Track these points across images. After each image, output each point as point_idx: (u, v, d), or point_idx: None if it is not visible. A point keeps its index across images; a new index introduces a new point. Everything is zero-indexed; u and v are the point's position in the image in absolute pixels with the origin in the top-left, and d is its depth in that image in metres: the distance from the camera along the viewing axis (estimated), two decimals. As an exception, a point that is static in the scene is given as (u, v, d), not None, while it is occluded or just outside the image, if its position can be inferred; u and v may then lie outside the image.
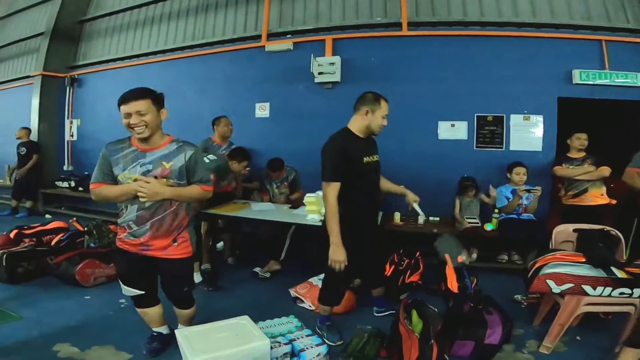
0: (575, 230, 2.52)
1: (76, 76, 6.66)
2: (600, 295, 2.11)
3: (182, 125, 5.49)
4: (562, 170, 3.66)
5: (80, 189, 6.01)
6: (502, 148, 4.12)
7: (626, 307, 2.17)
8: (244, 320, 2.13)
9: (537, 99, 4.16)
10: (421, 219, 3.79)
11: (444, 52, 4.36)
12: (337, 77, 4.55)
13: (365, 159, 2.14)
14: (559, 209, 3.81)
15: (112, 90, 6.20)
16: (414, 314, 2.20)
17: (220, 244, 4.27)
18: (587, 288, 2.10)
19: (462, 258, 3.41)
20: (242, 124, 5.10)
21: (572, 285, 2.11)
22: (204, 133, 5.32)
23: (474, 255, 3.82)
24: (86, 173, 6.23)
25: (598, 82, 4.09)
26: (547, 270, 2.14)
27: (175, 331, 1.99)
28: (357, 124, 2.20)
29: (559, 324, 2.21)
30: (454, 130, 4.21)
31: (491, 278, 3.39)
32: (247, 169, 4.50)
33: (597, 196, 3.52)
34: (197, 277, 3.28)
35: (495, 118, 4.19)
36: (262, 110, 5.04)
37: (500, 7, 4.37)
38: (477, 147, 4.21)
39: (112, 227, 4.05)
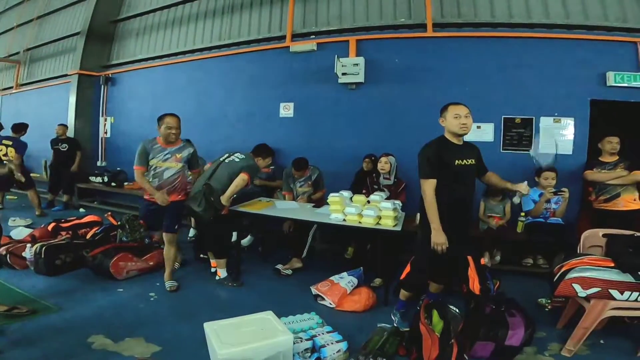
0: (604, 235, 2.47)
1: (110, 75, 6.95)
2: (627, 300, 2.09)
3: (208, 122, 5.69)
4: (594, 174, 3.56)
5: (113, 184, 6.27)
6: (530, 150, 4.03)
7: None
8: (269, 316, 2.20)
9: (568, 101, 4.06)
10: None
11: (469, 53, 4.32)
12: (360, 78, 4.57)
13: (457, 162, 2.32)
14: (589, 213, 3.71)
15: (144, 89, 6.53)
16: (435, 314, 2.21)
17: (245, 240, 4.38)
18: (615, 292, 2.09)
19: (484, 260, 3.38)
20: (266, 123, 5.23)
21: (600, 289, 2.10)
22: (229, 130, 5.50)
23: (497, 258, 3.77)
24: (118, 169, 6.50)
25: (633, 84, 3.95)
26: (574, 274, 2.14)
27: (204, 325, 2.07)
28: (446, 131, 2.42)
29: (584, 327, 2.20)
30: (480, 132, 4.15)
31: (515, 281, 3.36)
32: (271, 167, 4.59)
33: (630, 201, 3.41)
34: (223, 273, 3.38)
35: (524, 120, 4.11)
36: (287, 110, 5.12)
37: (529, 8, 4.29)
38: (503, 149, 4.14)
39: (142, 222, 4.25)
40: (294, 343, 2.08)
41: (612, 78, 3.96)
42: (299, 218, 3.37)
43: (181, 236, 4.66)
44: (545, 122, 4.06)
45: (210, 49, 5.88)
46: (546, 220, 3.59)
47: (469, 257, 2.87)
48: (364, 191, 3.75)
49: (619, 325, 2.49)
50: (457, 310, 2.34)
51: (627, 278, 2.08)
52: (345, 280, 3.05)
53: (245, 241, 4.39)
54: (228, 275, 3.38)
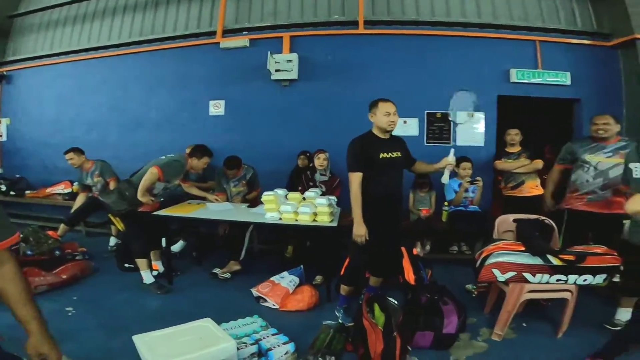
0: (514, 221, 2.70)
1: (5, 73, 6.02)
2: (539, 283, 2.27)
3: (127, 124, 5.25)
4: (501, 164, 3.97)
5: (12, 193, 5.47)
6: (450, 143, 4.38)
7: (563, 293, 2.35)
8: (207, 323, 2.11)
9: (480, 97, 4.43)
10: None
11: (397, 51, 4.53)
12: (294, 75, 4.55)
13: (382, 155, 2.39)
14: (500, 200, 4.14)
15: (48, 88, 5.78)
16: (376, 307, 2.28)
17: (176, 246, 4.15)
18: (528, 275, 2.26)
19: (417, 250, 3.60)
20: (195, 122, 4.97)
21: (515, 273, 2.27)
22: (153, 131, 5.12)
23: (428, 247, 4.04)
24: (18, 176, 5.70)
25: (532, 80, 4.46)
26: (492, 260, 2.29)
27: (133, 337, 1.91)
28: (374, 126, 2.51)
29: (506, 311, 2.37)
30: (406, 127, 4.40)
31: (444, 269, 3.58)
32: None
33: (533, 187, 3.85)
34: (148, 278, 3.18)
35: (444, 115, 4.44)
36: (217, 108, 4.91)
37: (449, 7, 4.61)
38: (427, 142, 4.44)
39: (50, 232, 3.80)
40: (238, 349, 2.02)
41: (514, 75, 4.43)
42: (232, 219, 3.28)
43: (102, 246, 4.33)
44: (461, 116, 4.42)
45: (128, 44, 5.38)
46: (466, 209, 3.93)
47: (403, 249, 3.04)
48: (300, 188, 3.75)
49: (536, 308, 2.72)
50: (396, 303, 2.43)
51: (537, 261, 2.24)
52: (286, 280, 3.04)
53: (177, 247, 4.15)
54: (155, 282, 3.18)
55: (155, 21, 5.34)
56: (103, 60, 5.47)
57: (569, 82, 4.47)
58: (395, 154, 2.47)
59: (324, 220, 2.98)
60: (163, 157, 3.30)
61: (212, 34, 4.95)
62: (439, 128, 4.43)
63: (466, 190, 3.89)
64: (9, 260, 1.16)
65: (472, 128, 4.41)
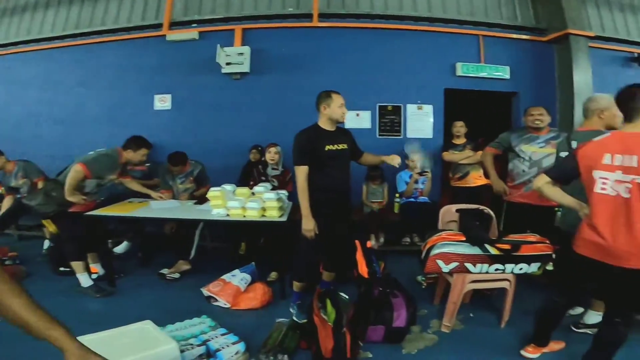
0: (457, 210, 2.79)
1: None
2: (480, 272, 2.32)
3: (62, 120, 4.88)
4: (448, 155, 4.11)
5: None
6: (400, 135, 4.48)
7: (502, 282, 2.41)
8: (147, 325, 2.03)
9: (428, 90, 4.58)
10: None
11: (350, 44, 4.52)
12: (246, 68, 4.41)
13: (328, 147, 2.38)
14: (448, 191, 4.30)
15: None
16: (328, 303, 2.26)
17: (120, 247, 3.92)
18: (469, 266, 2.30)
19: (370, 243, 3.65)
20: (138, 117, 4.70)
21: (458, 263, 2.30)
22: (91, 127, 4.77)
23: (382, 239, 4.12)
24: None
25: (476, 74, 4.63)
26: (436, 251, 2.31)
27: None
28: (322, 119, 2.47)
29: (452, 302, 2.40)
30: (359, 120, 4.43)
31: (397, 261, 3.61)
32: (147, 164, 4.15)
33: (477, 178, 4.03)
34: (85, 281, 3.00)
35: (394, 107, 4.52)
36: (163, 102, 4.66)
37: (402, 0, 4.65)
38: (379, 135, 4.50)
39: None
40: (183, 351, 1.95)
41: (460, 68, 4.58)
42: (176, 217, 3.15)
43: (36, 249, 4.00)
44: (411, 109, 4.54)
45: (63, 37, 4.96)
46: (416, 200, 4.05)
47: (357, 242, 3.06)
48: (251, 183, 3.66)
49: (481, 298, 2.79)
50: (347, 297, 2.44)
51: (477, 251, 2.28)
52: (237, 278, 2.95)
53: (121, 248, 3.93)
54: (93, 285, 2.99)
55: (94, 14, 4.97)
56: (32, 54, 5.05)
57: (508, 76, 4.69)
58: (341, 146, 2.46)
59: (273, 215, 2.92)
60: (91, 153, 3.09)
61: (159, 26, 4.68)
62: (391, 120, 4.51)
63: (416, 182, 4.00)
64: None
65: (422, 121, 4.53)
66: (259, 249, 3.72)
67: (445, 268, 2.37)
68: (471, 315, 2.68)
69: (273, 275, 3.34)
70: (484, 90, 4.72)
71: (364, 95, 4.44)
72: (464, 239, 2.36)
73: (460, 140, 4.17)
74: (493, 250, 2.30)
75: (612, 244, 1.68)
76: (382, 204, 4.09)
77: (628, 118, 1.72)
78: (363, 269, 2.97)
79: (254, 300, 2.81)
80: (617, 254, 1.66)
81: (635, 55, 4.86)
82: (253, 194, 3.10)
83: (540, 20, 4.81)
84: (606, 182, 1.68)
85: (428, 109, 4.56)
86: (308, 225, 2.35)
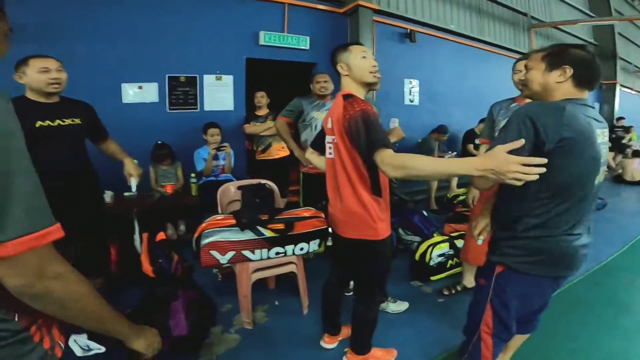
0: (239, 188, 2.55)
1: None
2: (262, 259, 2.11)
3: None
4: (249, 127, 3.90)
5: None
6: (196, 109, 4.02)
7: (289, 266, 2.25)
8: None
9: (228, 59, 4.22)
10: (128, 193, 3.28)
11: (132, 13, 3.67)
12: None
13: (40, 123, 1.92)
14: (254, 165, 4.12)
15: None
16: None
17: None
18: (247, 253, 2.05)
19: (165, 234, 3.16)
20: None
21: (234, 252, 2.03)
22: None
23: (182, 227, 3.68)
24: None
25: (279, 44, 4.51)
26: (205, 240, 2.00)
27: None
28: (29, 89, 1.96)
29: (243, 296, 2.16)
30: (142, 93, 3.75)
31: None
32: None
33: (279, 149, 3.95)
34: None
35: (189, 78, 4.01)
36: None
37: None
38: (170, 109, 3.93)
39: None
40: None
41: (263, 37, 4.37)
42: None
43: None
44: (208, 79, 4.11)
45: None
46: (217, 179, 3.71)
47: (144, 235, 2.54)
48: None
49: (289, 279, 2.52)
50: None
51: (250, 235, 2.03)
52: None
53: None
54: None
55: None
56: None
57: (308, 47, 4.73)
58: (64, 122, 1.97)
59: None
60: None
61: None
62: (184, 93, 3.98)
63: (216, 158, 3.66)
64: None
65: (221, 92, 4.16)
66: None
67: (223, 259, 2.06)
68: (276, 303, 2.52)
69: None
70: (286, 60, 4.65)
71: (148, 66, 3.76)
72: (234, 222, 2.09)
73: (262, 112, 4.00)
74: (267, 232, 2.10)
75: (332, 210, 1.68)
76: (176, 187, 3.61)
77: None
78: (147, 267, 2.50)
79: None
80: (334, 220, 1.67)
81: (408, 31, 5.50)
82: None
83: (340, -10, 4.93)
84: (330, 147, 1.65)
85: (228, 79, 4.22)
86: None
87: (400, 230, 3.61)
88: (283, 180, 3.83)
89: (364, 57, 1.58)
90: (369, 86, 1.62)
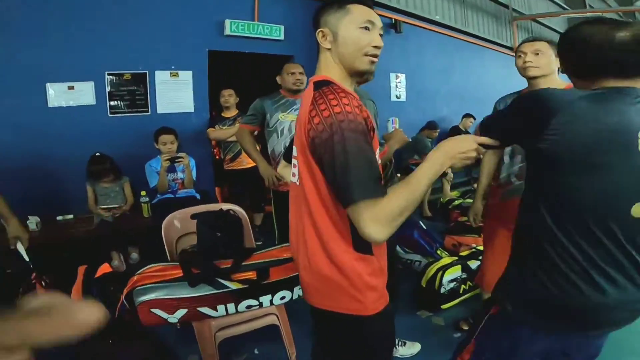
0: (192, 217, 1.87)
1: None
2: (228, 315, 1.59)
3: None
4: (214, 132, 3.30)
5: None
6: (147, 112, 3.31)
7: (268, 318, 1.78)
8: None
9: (186, 53, 3.56)
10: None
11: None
12: None
13: None
14: (222, 176, 3.50)
15: None
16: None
17: None
18: (206, 310, 1.53)
19: (110, 266, 2.47)
20: None
21: (187, 310, 1.50)
22: None
23: (135, 255, 2.99)
24: None
25: (247, 34, 3.90)
26: (141, 298, 1.43)
27: None
28: None
29: (208, 355, 1.64)
30: (74, 94, 3.00)
31: None
32: None
33: (251, 157, 3.34)
34: None
35: (135, 76, 3.29)
36: None
37: None
38: (112, 113, 3.19)
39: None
40: None
41: (228, 27, 3.75)
42: None
43: None
44: (161, 76, 3.41)
45: None
46: (175, 195, 3.03)
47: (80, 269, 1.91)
48: None
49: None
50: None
51: (207, 290, 1.51)
52: None
53: None
54: None
55: None
56: None
57: (282, 37, 4.14)
58: None
59: None
60: None
61: None
62: (130, 93, 3.25)
63: (173, 171, 2.99)
64: None
65: (178, 91, 3.48)
66: None
67: (172, 318, 1.50)
68: (256, 352, 2.05)
69: None
70: (257, 53, 4.02)
71: (81, 63, 3.03)
72: (181, 274, 1.48)
73: (230, 113, 3.40)
74: (233, 285, 1.51)
75: (296, 266, 1.07)
76: (123, 209, 2.91)
77: None
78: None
79: None
80: (300, 280, 1.05)
81: (393, 21, 5.01)
82: None
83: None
84: (295, 164, 1.00)
85: (186, 75, 3.53)
86: None
87: (399, 249, 3.07)
88: (257, 192, 3.34)
89: (366, 27, 0.96)
90: (360, 75, 1.00)
